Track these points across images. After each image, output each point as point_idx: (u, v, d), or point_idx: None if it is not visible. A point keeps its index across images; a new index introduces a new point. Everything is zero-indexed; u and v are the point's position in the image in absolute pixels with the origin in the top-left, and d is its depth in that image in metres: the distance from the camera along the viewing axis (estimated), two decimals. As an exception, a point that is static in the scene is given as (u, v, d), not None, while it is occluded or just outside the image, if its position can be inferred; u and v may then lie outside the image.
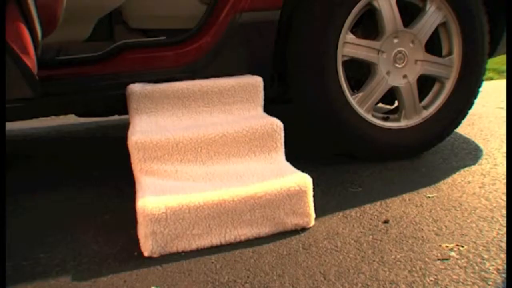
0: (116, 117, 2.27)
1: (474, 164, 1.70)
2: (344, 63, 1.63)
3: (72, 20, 1.20)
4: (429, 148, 1.79)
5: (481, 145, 1.92)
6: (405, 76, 1.71)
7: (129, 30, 1.85)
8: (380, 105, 2.01)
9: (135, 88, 1.48)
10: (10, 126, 2.38)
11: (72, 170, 1.88)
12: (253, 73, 1.57)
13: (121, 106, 1.54)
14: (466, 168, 1.65)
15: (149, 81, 1.54)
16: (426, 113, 1.75)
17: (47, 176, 1.83)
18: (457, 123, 1.80)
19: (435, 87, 1.78)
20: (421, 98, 1.75)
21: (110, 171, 1.79)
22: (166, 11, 1.75)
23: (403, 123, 1.73)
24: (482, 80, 1.80)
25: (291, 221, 1.23)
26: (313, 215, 1.26)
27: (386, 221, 1.28)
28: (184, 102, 1.47)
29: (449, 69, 1.75)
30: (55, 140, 2.42)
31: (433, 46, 1.75)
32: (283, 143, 1.38)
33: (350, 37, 1.63)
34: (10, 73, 0.99)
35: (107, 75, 1.58)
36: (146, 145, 1.29)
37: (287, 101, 1.86)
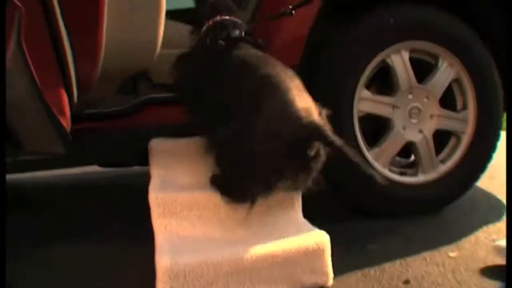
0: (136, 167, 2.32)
1: (497, 220, 1.66)
2: (360, 119, 1.67)
3: (102, 80, 1.28)
4: (449, 203, 1.77)
5: (503, 200, 1.88)
6: (420, 131, 1.72)
7: (152, 85, 1.94)
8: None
9: (157, 143, 1.53)
10: (32, 173, 2.45)
11: (90, 220, 1.90)
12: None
13: (143, 158, 1.59)
14: (490, 225, 1.62)
15: (170, 136, 1.59)
16: (444, 168, 1.74)
17: (64, 225, 1.85)
18: (477, 177, 1.78)
19: (452, 141, 1.78)
20: (438, 152, 1.76)
21: (129, 222, 1.81)
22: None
23: (420, 178, 1.73)
24: (500, 133, 1.80)
25: (309, 279, 1.22)
26: (331, 273, 1.25)
27: (406, 281, 1.25)
28: (205, 156, 1.50)
29: (465, 123, 1.76)
30: (76, 188, 2.47)
31: (448, 100, 1.78)
32: (300, 200, 1.39)
33: (366, 93, 1.67)
34: (47, 132, 1.06)
35: (131, 129, 1.65)
36: (166, 200, 1.31)
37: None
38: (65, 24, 0.90)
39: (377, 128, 1.76)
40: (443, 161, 1.76)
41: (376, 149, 1.69)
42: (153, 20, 1.21)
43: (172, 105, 1.65)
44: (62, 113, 1.00)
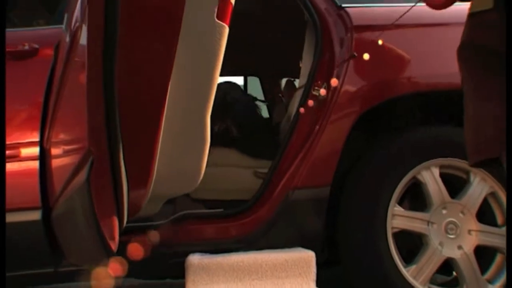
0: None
1: None
2: (395, 235, 1.66)
3: (148, 201, 1.38)
4: (503, 329, 1.63)
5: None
6: (460, 247, 1.67)
7: (191, 199, 2.04)
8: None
9: (194, 260, 1.56)
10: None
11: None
12: (304, 246, 1.63)
13: (179, 272, 1.61)
14: None
15: (206, 251, 1.63)
16: (494, 289, 1.65)
17: None
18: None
19: (498, 259, 1.70)
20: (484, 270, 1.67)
21: None
22: (225, 184, 1.95)
23: (467, 298, 1.63)
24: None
25: None
26: None
27: None
28: (239, 274, 1.52)
29: (508, 239, 1.70)
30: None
31: (486, 215, 1.74)
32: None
33: (398, 209, 1.68)
34: (95, 252, 1.13)
35: (169, 243, 1.70)
36: (201, 320, 1.30)
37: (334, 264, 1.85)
38: (124, 161, 1.04)
39: (413, 244, 1.74)
40: (490, 281, 1.67)
41: (413, 266, 1.64)
42: (199, 151, 1.35)
43: (209, 221, 1.71)
44: (112, 238, 1.09)
